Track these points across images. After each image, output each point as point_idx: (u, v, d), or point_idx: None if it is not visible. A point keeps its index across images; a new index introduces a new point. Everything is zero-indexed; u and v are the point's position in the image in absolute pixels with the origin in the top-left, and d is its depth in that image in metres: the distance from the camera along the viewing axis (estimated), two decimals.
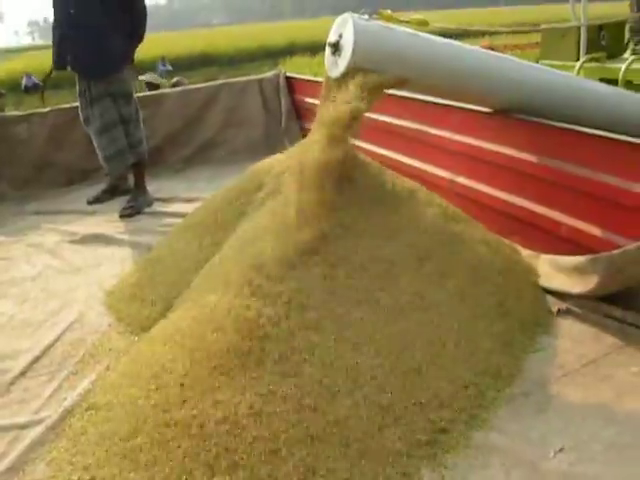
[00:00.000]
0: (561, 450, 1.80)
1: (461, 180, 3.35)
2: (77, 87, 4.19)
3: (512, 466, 1.77)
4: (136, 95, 4.53)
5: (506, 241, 2.76)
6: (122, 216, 4.20)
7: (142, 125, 4.34)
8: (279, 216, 2.38)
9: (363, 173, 2.57)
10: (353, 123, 2.31)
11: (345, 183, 2.43)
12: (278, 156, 2.94)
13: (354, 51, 2.40)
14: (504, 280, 2.46)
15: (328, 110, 2.38)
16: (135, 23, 4.10)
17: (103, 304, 2.92)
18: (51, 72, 4.55)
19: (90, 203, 4.48)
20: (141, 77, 8.69)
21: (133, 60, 4.27)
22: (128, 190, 4.46)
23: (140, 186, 4.40)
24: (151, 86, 8.58)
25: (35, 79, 18.73)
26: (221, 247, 2.63)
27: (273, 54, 26.33)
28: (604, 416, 1.93)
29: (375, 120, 3.72)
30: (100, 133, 4.10)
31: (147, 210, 4.31)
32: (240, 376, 1.88)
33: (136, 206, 4.28)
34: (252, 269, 2.18)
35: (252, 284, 2.12)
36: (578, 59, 6.03)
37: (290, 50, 25.82)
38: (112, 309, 2.85)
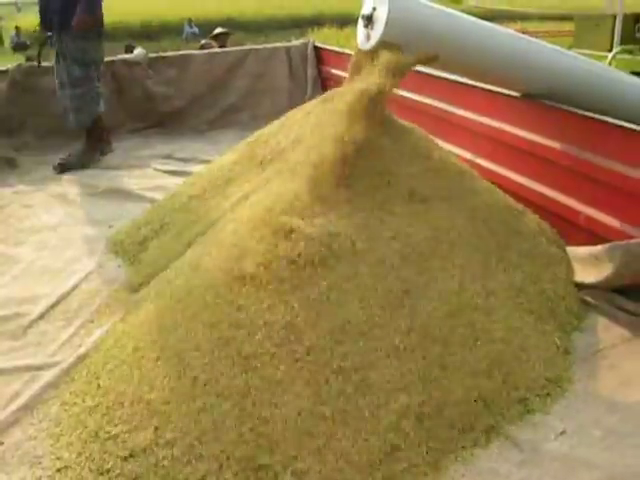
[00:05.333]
0: (562, 433, 1.84)
1: (481, 162, 3.35)
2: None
3: (512, 446, 1.80)
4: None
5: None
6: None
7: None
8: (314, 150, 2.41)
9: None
10: (407, 69, 2.42)
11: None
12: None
13: (387, 25, 2.39)
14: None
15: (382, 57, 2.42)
16: None
17: (115, 252, 3.00)
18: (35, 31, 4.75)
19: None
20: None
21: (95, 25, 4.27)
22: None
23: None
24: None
25: None
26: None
27: (300, 24, 25.99)
28: (607, 404, 1.95)
29: (398, 96, 3.70)
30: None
31: (168, 168, 4.34)
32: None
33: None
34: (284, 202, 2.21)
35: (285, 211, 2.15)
36: (611, 50, 5.95)
37: (318, 21, 25.50)
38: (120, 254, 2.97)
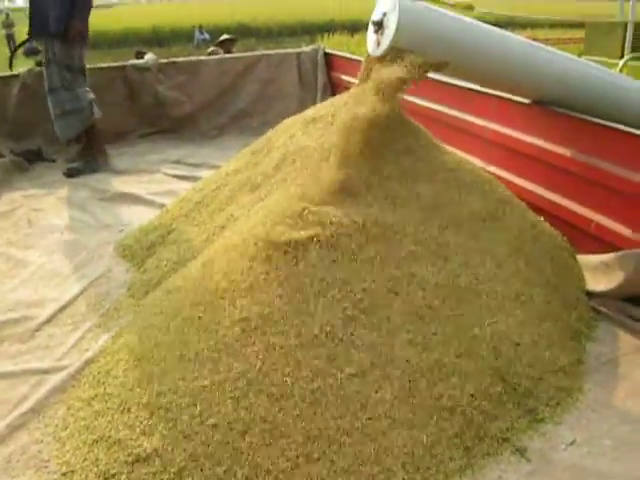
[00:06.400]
0: (572, 443, 1.82)
1: (492, 169, 3.33)
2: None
3: (521, 455, 1.77)
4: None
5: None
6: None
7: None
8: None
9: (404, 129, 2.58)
10: (401, 87, 2.36)
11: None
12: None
13: (397, 31, 2.39)
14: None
15: (378, 74, 2.40)
16: None
17: (124, 256, 3.00)
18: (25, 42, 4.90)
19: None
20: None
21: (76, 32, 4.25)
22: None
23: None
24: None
25: None
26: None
27: (312, 30, 26.05)
28: (618, 414, 1.93)
29: (410, 103, 3.69)
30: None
31: (177, 173, 4.35)
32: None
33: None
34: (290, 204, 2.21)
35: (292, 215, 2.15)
36: (622, 57, 5.92)
37: (329, 27, 25.55)
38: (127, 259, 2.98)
